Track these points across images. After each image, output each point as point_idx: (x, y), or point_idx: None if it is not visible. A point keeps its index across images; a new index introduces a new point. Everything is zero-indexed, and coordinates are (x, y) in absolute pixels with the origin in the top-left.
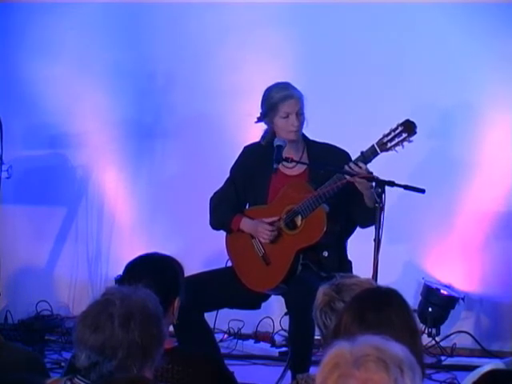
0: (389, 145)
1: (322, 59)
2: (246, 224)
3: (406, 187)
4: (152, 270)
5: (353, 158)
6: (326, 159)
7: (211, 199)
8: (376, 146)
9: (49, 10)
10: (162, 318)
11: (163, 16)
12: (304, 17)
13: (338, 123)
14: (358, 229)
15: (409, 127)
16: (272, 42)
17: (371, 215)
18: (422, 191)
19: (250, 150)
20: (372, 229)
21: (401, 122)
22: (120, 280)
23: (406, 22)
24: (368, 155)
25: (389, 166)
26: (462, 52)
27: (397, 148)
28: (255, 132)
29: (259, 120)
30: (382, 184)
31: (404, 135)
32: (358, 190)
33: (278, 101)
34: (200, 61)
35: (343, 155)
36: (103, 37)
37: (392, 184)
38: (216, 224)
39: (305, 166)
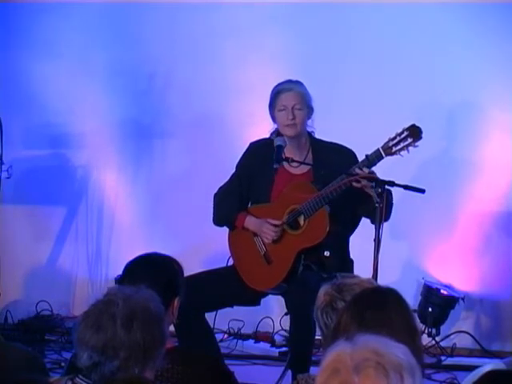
0: (394, 149)
1: (324, 59)
2: (250, 222)
3: (406, 187)
4: (152, 269)
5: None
6: (331, 159)
7: (215, 195)
8: (381, 149)
9: (49, 11)
10: (164, 319)
11: (163, 16)
12: (305, 17)
13: (339, 124)
14: (358, 228)
15: (414, 132)
16: (272, 43)
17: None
18: (422, 191)
19: (255, 147)
20: (372, 228)
21: (407, 126)
22: (120, 280)
23: (407, 22)
24: (373, 159)
25: (389, 166)
26: (464, 51)
27: (402, 152)
28: (255, 132)
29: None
30: (381, 184)
31: (409, 140)
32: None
33: (277, 93)
34: (199, 61)
35: (349, 155)
36: (103, 37)
37: (392, 184)
38: (219, 220)
39: (309, 166)
